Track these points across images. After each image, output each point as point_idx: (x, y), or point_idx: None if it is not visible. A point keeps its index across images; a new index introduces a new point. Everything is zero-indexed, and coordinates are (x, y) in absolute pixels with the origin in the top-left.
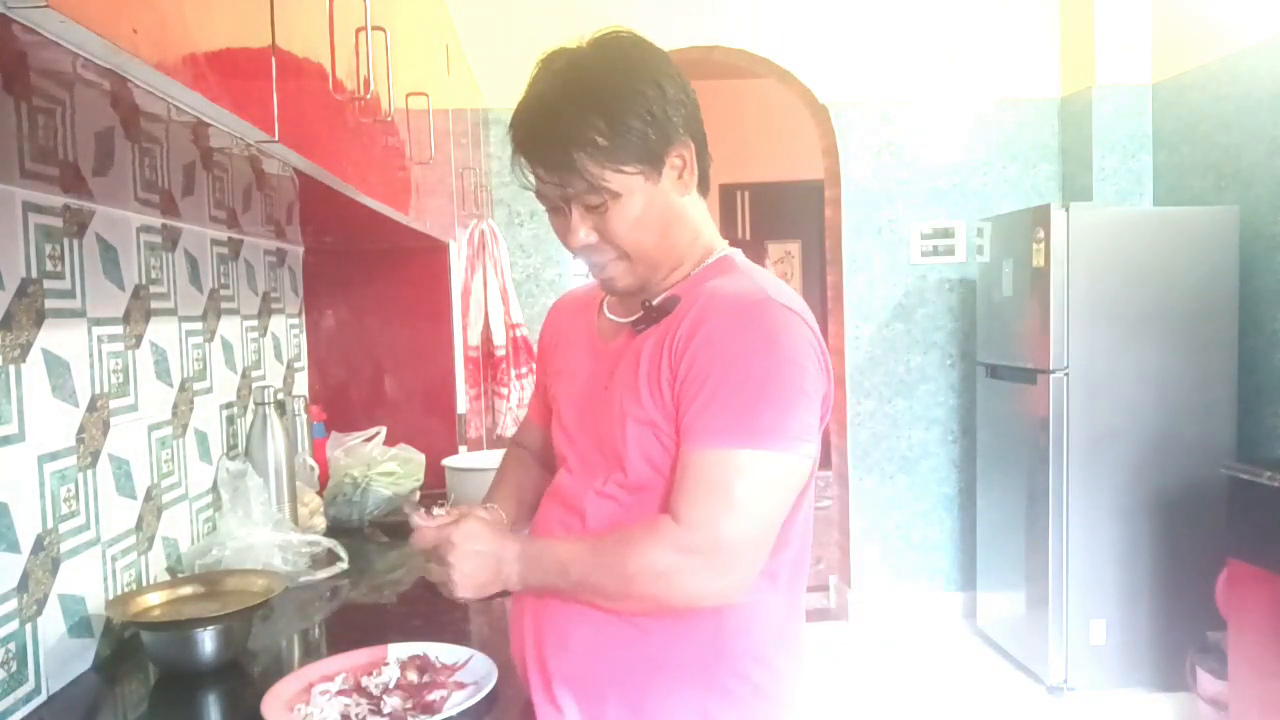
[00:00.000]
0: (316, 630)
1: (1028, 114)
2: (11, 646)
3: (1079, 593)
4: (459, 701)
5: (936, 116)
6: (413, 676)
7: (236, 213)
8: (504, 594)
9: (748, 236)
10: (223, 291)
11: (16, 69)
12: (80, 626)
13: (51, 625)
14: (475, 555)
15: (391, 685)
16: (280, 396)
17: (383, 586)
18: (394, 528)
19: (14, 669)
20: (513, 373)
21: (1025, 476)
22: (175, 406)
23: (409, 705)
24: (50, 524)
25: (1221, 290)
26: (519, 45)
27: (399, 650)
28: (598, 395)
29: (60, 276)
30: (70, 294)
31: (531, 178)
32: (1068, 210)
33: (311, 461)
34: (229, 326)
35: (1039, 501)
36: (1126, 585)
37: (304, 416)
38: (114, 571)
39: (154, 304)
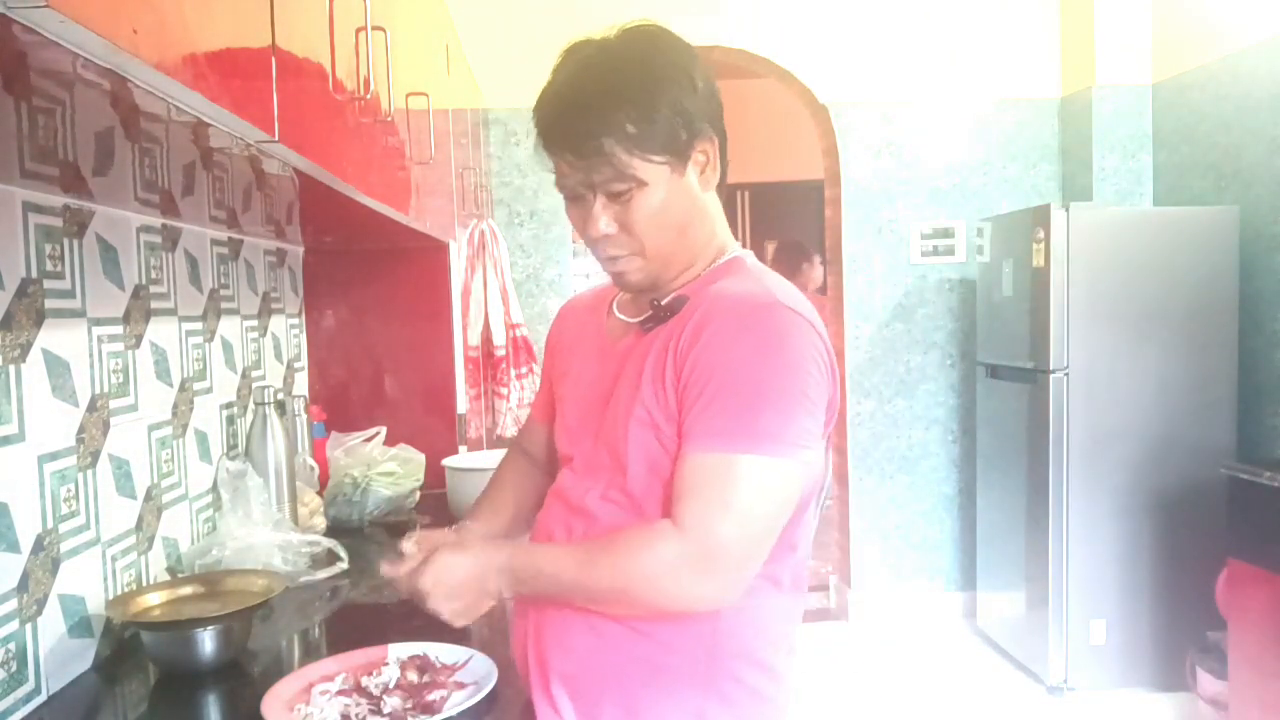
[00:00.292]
0: (316, 630)
1: (1028, 114)
2: (11, 646)
3: (1079, 593)
4: (459, 701)
5: (936, 116)
6: (413, 676)
7: (236, 213)
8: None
9: (748, 236)
10: (223, 291)
11: (16, 69)
12: (80, 626)
13: (51, 625)
14: (454, 588)
15: (391, 685)
16: (280, 396)
17: (383, 586)
18: (394, 528)
19: (14, 669)
20: (513, 373)
21: (1025, 476)
22: (175, 406)
23: (409, 705)
24: (50, 524)
25: (1221, 290)
26: (519, 45)
27: (399, 650)
28: (603, 396)
29: (60, 276)
30: (70, 294)
31: (553, 166)
32: (1068, 210)
33: (311, 461)
34: (229, 326)
35: (1039, 501)
36: (1126, 585)
37: (304, 416)
38: (114, 571)
39: (154, 304)
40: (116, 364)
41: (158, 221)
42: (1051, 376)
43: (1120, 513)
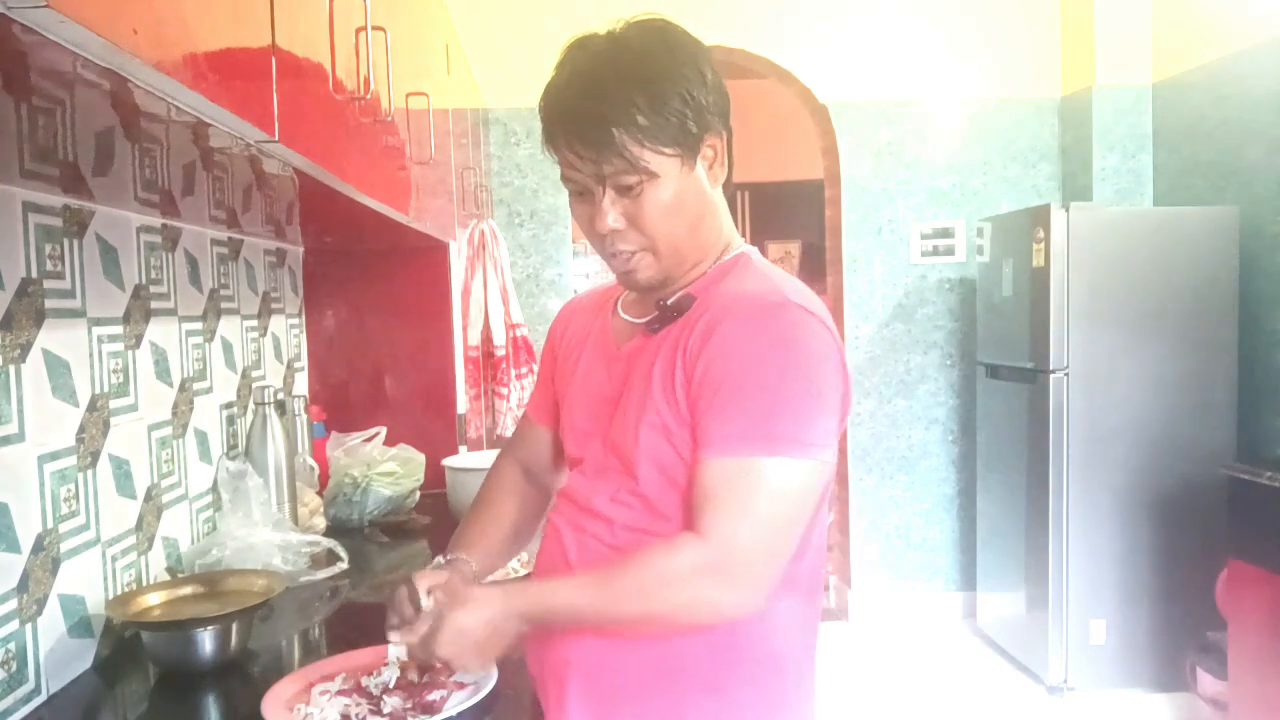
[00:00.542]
0: (316, 630)
1: (1028, 114)
2: (11, 646)
3: (1079, 593)
4: (459, 701)
5: (936, 116)
6: (413, 676)
7: (236, 213)
8: None
9: (748, 237)
10: (223, 291)
11: (16, 69)
12: (80, 626)
13: (51, 625)
14: (470, 648)
15: (391, 685)
16: (280, 396)
17: (383, 586)
18: (394, 528)
19: (14, 669)
20: (513, 373)
21: (1025, 477)
22: (175, 406)
23: (409, 705)
24: (50, 524)
25: (1221, 290)
26: (519, 45)
27: (399, 650)
28: (611, 398)
29: (60, 276)
30: (70, 294)
31: (559, 160)
32: (1068, 210)
33: (311, 461)
34: (229, 326)
35: (1039, 502)
36: (1126, 585)
37: (304, 416)
38: (114, 571)
39: (154, 304)
40: (116, 364)
41: (158, 221)
42: (1051, 376)
43: (1120, 513)
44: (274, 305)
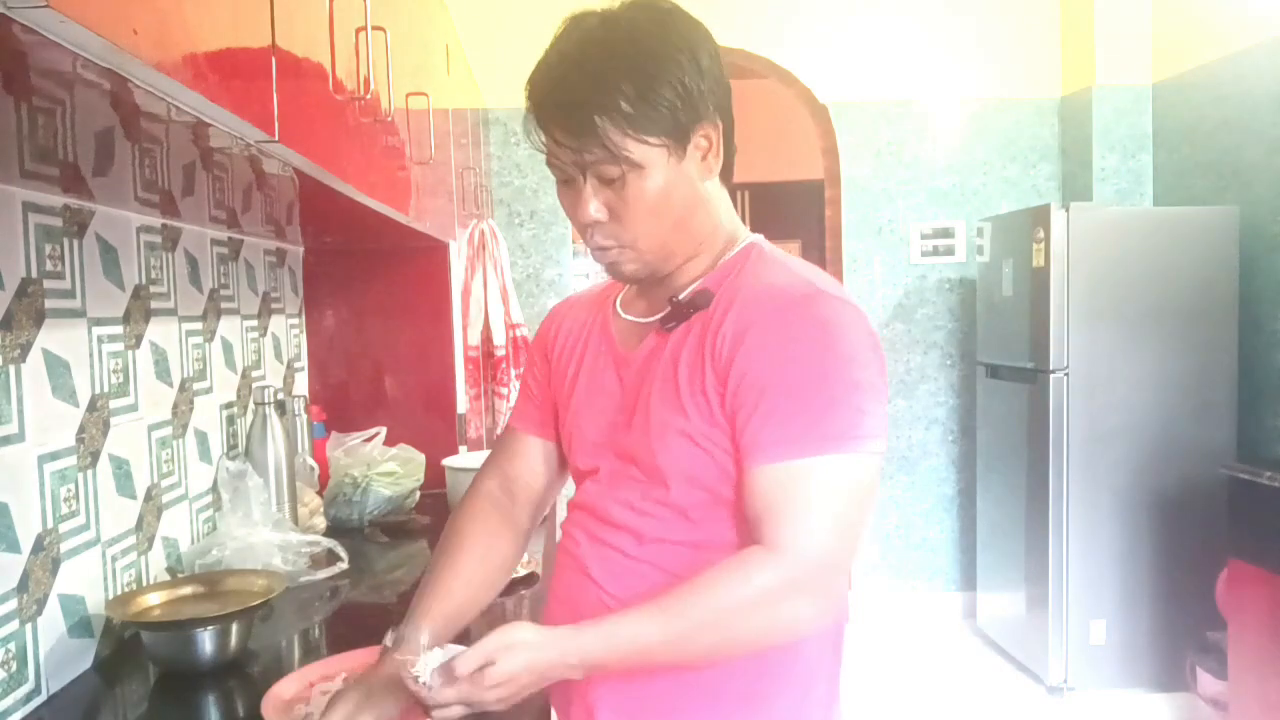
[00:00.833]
0: (316, 630)
1: (1028, 114)
2: (11, 646)
3: (1079, 593)
4: None
5: (936, 116)
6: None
7: (236, 213)
8: (508, 593)
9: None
10: (223, 291)
11: (16, 69)
12: (80, 626)
13: (51, 625)
14: (520, 693)
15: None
16: (280, 396)
17: (383, 586)
18: (394, 528)
19: (14, 669)
20: (513, 373)
21: (1025, 477)
22: (175, 406)
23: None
24: (50, 524)
25: (1221, 290)
26: (519, 45)
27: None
28: (625, 406)
29: (60, 276)
30: (70, 294)
31: (544, 144)
32: (1068, 210)
33: (311, 461)
34: (229, 326)
35: (1039, 501)
36: (1126, 585)
37: (304, 416)
38: (114, 571)
39: (154, 304)
40: (116, 364)
41: (158, 221)
42: (1051, 376)
43: (1120, 513)
44: (274, 305)
